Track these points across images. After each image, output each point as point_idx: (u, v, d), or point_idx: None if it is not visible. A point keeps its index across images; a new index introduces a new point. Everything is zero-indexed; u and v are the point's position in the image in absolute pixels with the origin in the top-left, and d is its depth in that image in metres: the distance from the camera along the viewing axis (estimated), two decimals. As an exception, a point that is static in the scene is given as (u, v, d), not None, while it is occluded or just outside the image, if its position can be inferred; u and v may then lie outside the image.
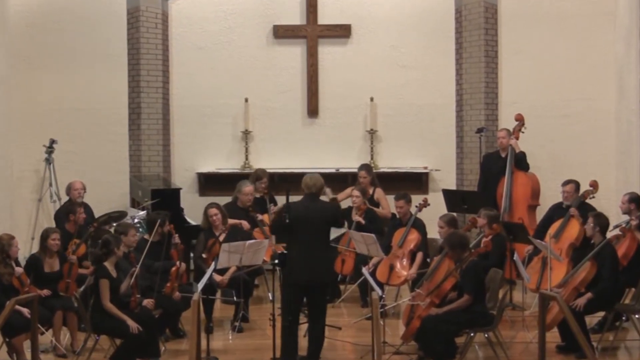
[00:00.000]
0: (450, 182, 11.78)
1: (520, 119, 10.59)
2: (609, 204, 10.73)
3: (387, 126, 11.91)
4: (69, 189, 9.90)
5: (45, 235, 8.06)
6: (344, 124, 11.94)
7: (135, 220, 9.55)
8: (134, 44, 11.61)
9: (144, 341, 7.33)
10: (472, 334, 7.49)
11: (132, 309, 7.43)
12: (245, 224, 9.48)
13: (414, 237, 9.20)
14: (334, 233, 10.12)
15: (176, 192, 10.46)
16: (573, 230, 8.72)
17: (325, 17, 11.90)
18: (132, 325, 7.25)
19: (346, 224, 9.83)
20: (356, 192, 9.77)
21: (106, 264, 7.45)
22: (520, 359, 7.71)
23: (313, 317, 7.31)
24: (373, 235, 8.78)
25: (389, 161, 11.84)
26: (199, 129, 11.87)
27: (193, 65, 11.85)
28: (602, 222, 7.88)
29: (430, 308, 7.46)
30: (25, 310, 7.21)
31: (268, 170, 10.87)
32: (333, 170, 11.65)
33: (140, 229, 9.26)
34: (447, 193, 10.63)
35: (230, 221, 9.20)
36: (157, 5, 11.62)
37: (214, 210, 8.96)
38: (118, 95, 11.64)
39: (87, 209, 9.84)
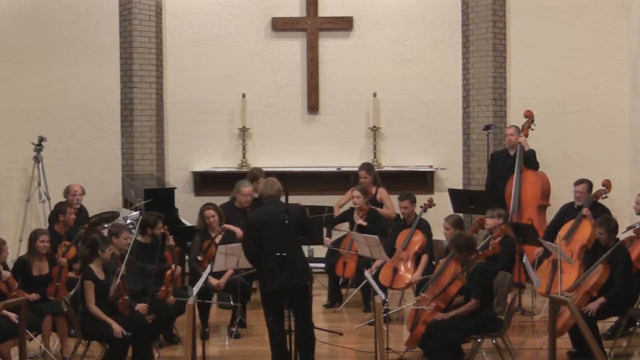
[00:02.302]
0: (457, 182, 11.79)
1: (529, 116, 10.59)
2: (623, 204, 10.75)
3: (390, 123, 11.92)
4: (67, 192, 9.89)
5: (33, 237, 8.07)
6: (346, 120, 11.95)
7: (128, 221, 9.54)
8: (127, 37, 11.61)
9: (129, 345, 7.33)
10: (479, 340, 7.49)
11: (121, 312, 7.44)
12: (239, 232, 9.40)
13: (418, 238, 9.20)
14: (336, 234, 10.18)
15: (170, 192, 10.47)
16: (585, 231, 8.71)
17: (326, 9, 11.91)
18: (117, 329, 7.25)
19: (348, 225, 9.90)
20: (356, 192, 9.77)
21: (92, 265, 7.46)
22: (529, 366, 7.74)
23: (298, 323, 7.23)
24: (376, 237, 8.80)
25: (393, 159, 11.85)
26: (194, 126, 11.88)
27: (188, 60, 11.86)
28: (612, 225, 7.87)
29: (435, 313, 7.47)
30: (13, 315, 7.21)
31: (266, 169, 10.85)
32: (334, 169, 11.68)
33: (133, 230, 9.26)
34: (453, 193, 10.64)
35: (226, 226, 9.17)
36: (151, -4, 11.66)
37: (210, 212, 8.96)
38: (110, 90, 11.65)
39: (83, 213, 9.85)
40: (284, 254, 6.92)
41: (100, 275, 7.48)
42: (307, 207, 8.27)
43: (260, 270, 7.26)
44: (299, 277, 7.09)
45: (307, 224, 7.39)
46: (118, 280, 7.43)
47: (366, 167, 10.48)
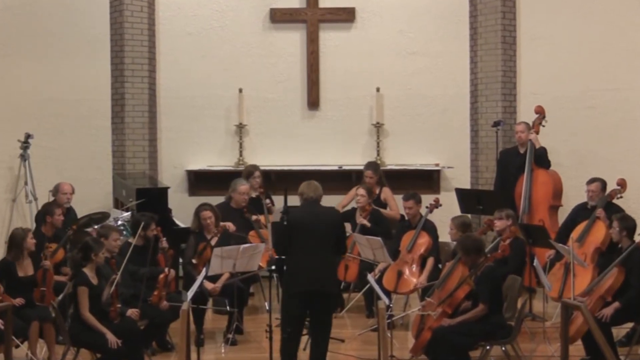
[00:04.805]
0: (464, 181, 11.79)
1: (540, 112, 10.58)
2: (639, 204, 10.71)
3: (394, 119, 11.91)
4: (56, 191, 9.89)
5: (23, 236, 8.03)
6: (348, 116, 11.95)
7: (119, 223, 9.56)
8: (118, 29, 11.60)
9: (124, 356, 7.33)
10: (488, 347, 7.49)
11: (112, 320, 7.43)
12: (230, 226, 9.42)
13: (424, 240, 9.19)
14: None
15: (164, 192, 10.46)
16: (599, 233, 8.72)
17: (327, -1, 11.93)
18: (112, 339, 7.25)
19: (350, 226, 9.89)
20: (362, 191, 9.78)
21: (85, 270, 7.45)
22: (540, 375, 7.74)
23: (316, 332, 7.26)
24: (379, 238, 8.78)
25: (397, 158, 11.85)
26: (189, 122, 11.87)
27: (182, 53, 11.85)
28: (629, 224, 7.88)
29: (442, 319, 7.46)
30: (-2, 322, 7.22)
31: (264, 168, 10.89)
32: (335, 168, 11.67)
33: (125, 232, 9.27)
34: (460, 192, 10.63)
35: (222, 224, 9.17)
36: (143, -14, 11.65)
37: (207, 213, 8.93)
38: (100, 85, 11.64)
39: (71, 213, 9.84)
40: (283, 257, 6.95)
41: (94, 280, 7.47)
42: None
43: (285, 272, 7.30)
44: (323, 283, 7.13)
45: (341, 235, 7.42)
46: (112, 288, 7.42)
47: (372, 166, 10.48)
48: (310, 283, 7.05)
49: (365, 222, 9.58)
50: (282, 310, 7.30)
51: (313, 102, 11.92)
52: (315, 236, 7.13)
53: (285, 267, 7.23)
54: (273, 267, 7.47)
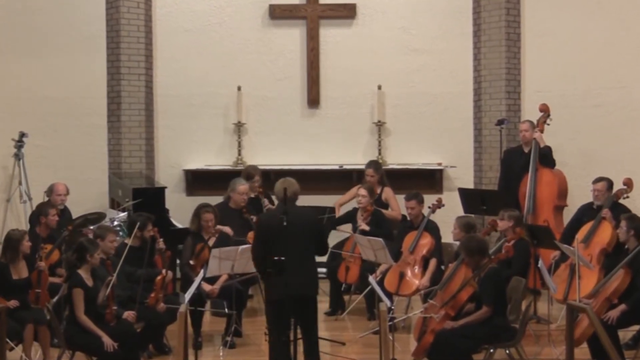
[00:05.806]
0: (468, 180, 11.79)
1: (545, 110, 10.58)
2: (645, 204, 10.72)
3: (396, 117, 11.91)
4: (50, 192, 9.90)
5: (19, 238, 8.02)
6: (349, 115, 11.95)
7: (115, 223, 9.57)
8: (114, 26, 11.60)
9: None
10: (491, 350, 7.49)
11: (107, 322, 7.43)
12: (228, 230, 9.36)
13: (426, 241, 9.18)
14: (338, 237, 10.16)
15: (160, 192, 10.47)
16: (604, 234, 8.71)
17: (328, -5, 11.93)
18: (107, 342, 7.26)
19: (351, 227, 9.90)
20: (363, 191, 9.76)
21: (80, 271, 7.44)
22: (545, 378, 7.74)
23: (304, 334, 7.20)
24: (381, 239, 8.79)
25: (399, 157, 11.85)
26: (186, 121, 11.88)
27: (180, 50, 11.85)
28: (637, 224, 7.87)
29: (444, 321, 7.46)
30: (-7, 324, 7.21)
31: (263, 167, 10.88)
32: (336, 167, 11.67)
33: (121, 233, 9.27)
34: (463, 192, 10.62)
35: (218, 228, 9.15)
36: (140, -18, 11.65)
37: (209, 215, 8.85)
38: (95, 83, 11.64)
39: (66, 214, 9.84)
40: (282, 258, 6.91)
41: (89, 282, 7.47)
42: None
43: (266, 276, 7.22)
44: (306, 286, 7.07)
45: (320, 237, 7.36)
46: (108, 290, 7.41)
47: (374, 165, 10.47)
48: (291, 288, 6.89)
49: (365, 226, 9.56)
50: (267, 318, 7.22)
51: (313, 100, 11.92)
52: (289, 239, 6.99)
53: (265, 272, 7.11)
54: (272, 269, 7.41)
